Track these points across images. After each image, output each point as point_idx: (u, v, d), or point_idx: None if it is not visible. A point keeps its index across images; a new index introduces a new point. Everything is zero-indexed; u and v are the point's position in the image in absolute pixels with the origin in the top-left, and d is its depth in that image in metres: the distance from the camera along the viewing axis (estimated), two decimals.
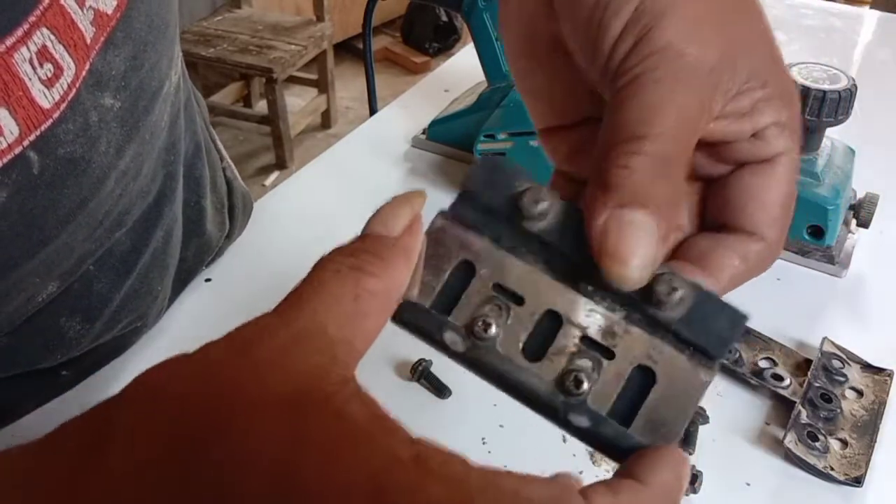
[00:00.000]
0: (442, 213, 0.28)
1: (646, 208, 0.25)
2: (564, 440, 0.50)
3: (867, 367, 0.57)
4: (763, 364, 0.56)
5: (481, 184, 0.28)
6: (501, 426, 0.52)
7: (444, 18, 3.43)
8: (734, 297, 0.29)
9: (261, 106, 2.96)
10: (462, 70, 0.96)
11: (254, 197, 0.71)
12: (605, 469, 0.49)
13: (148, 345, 0.57)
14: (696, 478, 0.48)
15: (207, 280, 0.64)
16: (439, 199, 0.27)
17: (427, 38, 3.49)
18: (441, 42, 3.50)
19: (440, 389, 0.53)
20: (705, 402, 0.53)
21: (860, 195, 0.66)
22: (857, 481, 0.48)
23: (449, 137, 0.81)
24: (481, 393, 0.54)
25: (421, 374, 0.54)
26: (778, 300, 0.62)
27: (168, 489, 0.20)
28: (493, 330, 0.26)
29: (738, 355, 0.56)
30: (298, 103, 2.96)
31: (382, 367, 0.55)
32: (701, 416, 0.52)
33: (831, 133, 0.65)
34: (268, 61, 2.59)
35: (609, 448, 0.26)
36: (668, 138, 0.26)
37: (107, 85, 0.39)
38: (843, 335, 0.58)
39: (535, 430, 0.51)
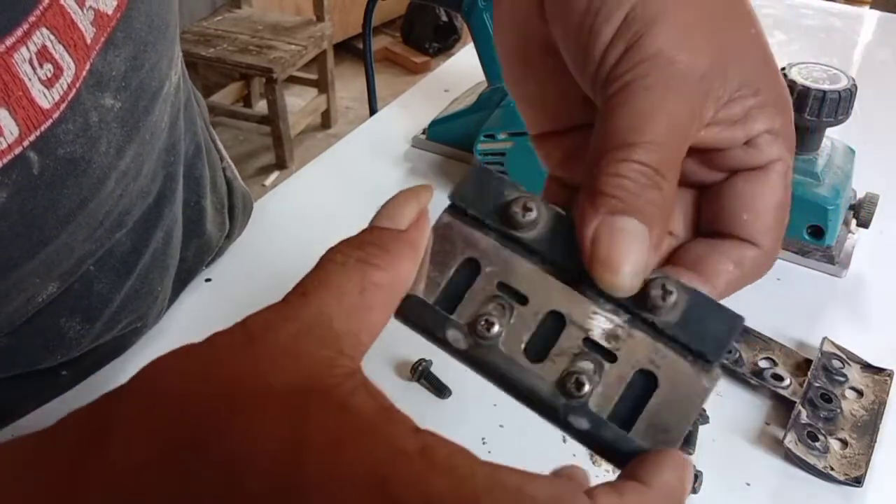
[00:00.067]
0: (449, 209, 0.28)
1: (637, 215, 0.25)
2: (564, 440, 0.50)
3: (867, 367, 0.57)
4: (763, 364, 0.56)
5: (470, 194, 0.28)
6: (501, 426, 0.52)
7: (444, 18, 3.43)
8: (735, 296, 0.29)
9: (261, 106, 2.96)
10: (462, 70, 0.96)
11: (254, 197, 0.71)
12: (605, 469, 0.49)
13: (148, 345, 0.57)
14: (696, 478, 0.48)
15: (207, 280, 0.64)
16: (439, 199, 0.27)
17: (427, 38, 3.49)
18: (441, 42, 3.50)
19: (440, 389, 0.53)
20: (705, 402, 0.53)
21: (860, 195, 0.66)
22: (857, 481, 0.48)
23: (449, 137, 0.81)
24: (481, 393, 0.54)
25: (421, 374, 0.54)
26: (778, 300, 0.62)
27: (168, 487, 0.20)
28: (496, 329, 0.26)
29: (738, 355, 0.56)
30: (298, 103, 2.96)
31: (382, 367, 0.55)
32: (701, 416, 0.52)
33: (831, 133, 0.65)
34: (268, 61, 2.59)
35: (609, 451, 0.26)
36: (658, 146, 0.26)
37: (107, 85, 0.39)
38: (843, 335, 0.58)
39: (535, 430, 0.51)
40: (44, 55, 0.35)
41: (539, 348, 0.26)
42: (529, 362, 0.26)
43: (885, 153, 0.82)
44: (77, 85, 0.37)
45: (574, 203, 0.27)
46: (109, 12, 0.38)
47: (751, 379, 0.54)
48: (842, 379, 0.55)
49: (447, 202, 0.28)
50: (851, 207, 0.66)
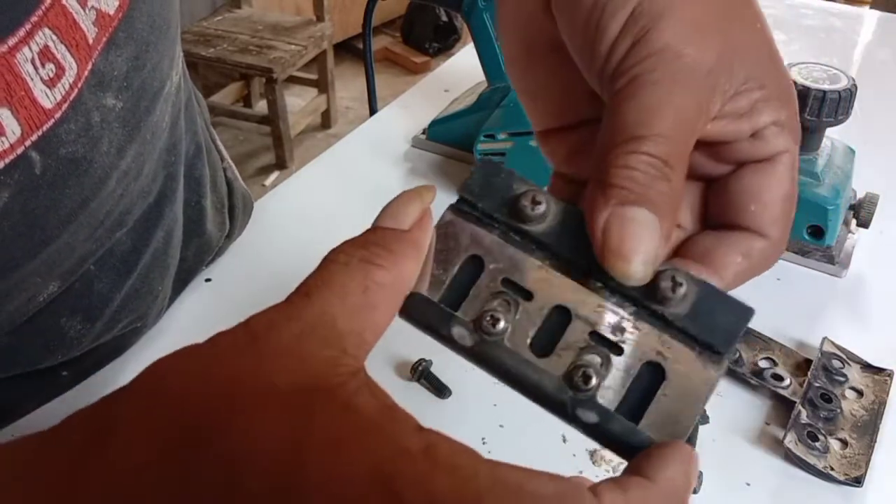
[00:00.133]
0: (452, 207, 0.28)
1: (647, 206, 0.26)
2: (564, 440, 0.50)
3: (867, 367, 0.57)
4: (763, 364, 0.56)
5: (479, 189, 0.28)
6: (501, 426, 0.52)
7: (444, 18, 3.43)
8: (735, 296, 0.29)
9: (261, 106, 2.96)
10: (462, 70, 0.96)
11: (254, 197, 0.71)
12: (606, 469, 0.49)
13: (148, 345, 0.57)
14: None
15: (207, 280, 0.64)
16: (440, 199, 0.27)
17: (427, 38, 3.49)
18: (441, 42, 3.50)
19: (440, 389, 0.53)
20: None
21: (860, 195, 0.66)
22: (857, 481, 0.48)
23: (449, 137, 0.81)
24: (481, 393, 0.54)
25: (421, 374, 0.54)
26: (778, 300, 0.62)
27: (168, 487, 0.20)
28: (502, 325, 0.26)
29: (738, 355, 0.56)
30: (298, 103, 2.96)
31: (382, 367, 0.55)
32: (701, 416, 0.52)
33: (831, 133, 0.65)
34: (268, 61, 2.59)
35: (617, 444, 0.26)
36: (666, 139, 0.26)
37: (109, 85, 0.39)
38: (843, 335, 0.58)
39: (536, 430, 0.51)
40: (46, 55, 0.35)
41: (545, 343, 0.26)
42: (536, 357, 0.26)
43: (885, 153, 0.82)
44: (79, 85, 0.37)
45: (580, 198, 0.27)
46: (111, 12, 0.38)
47: (751, 379, 0.54)
48: (842, 379, 0.55)
49: (449, 202, 0.28)
50: (851, 207, 0.66)
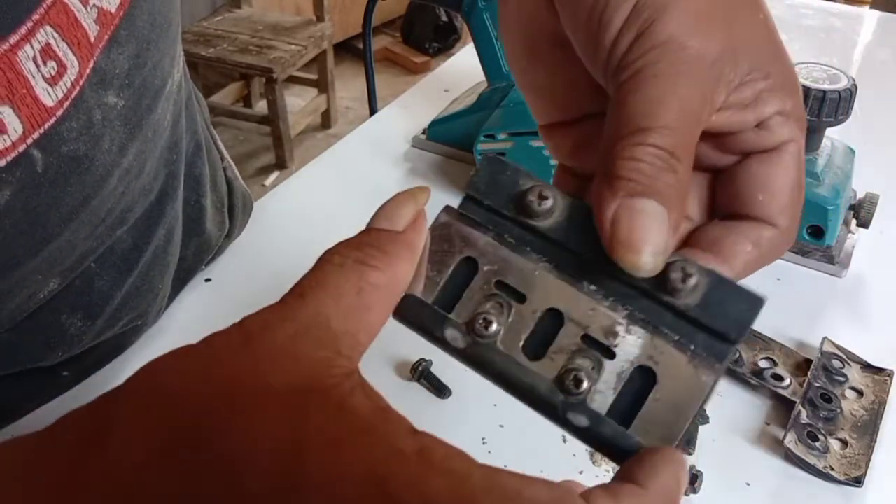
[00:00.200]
0: (447, 209, 0.28)
1: (655, 197, 0.26)
2: (564, 440, 0.50)
3: (867, 367, 0.57)
4: (763, 364, 0.56)
5: (485, 185, 0.28)
6: (501, 426, 0.52)
7: (444, 18, 3.43)
8: None
9: (261, 106, 2.96)
10: (462, 70, 0.96)
11: (254, 197, 0.71)
12: (606, 469, 0.49)
13: (148, 344, 0.57)
14: (696, 478, 0.48)
15: (207, 280, 0.64)
16: (440, 199, 0.28)
17: (427, 38, 3.49)
18: (441, 42, 3.50)
19: (440, 389, 0.53)
20: None
21: (860, 195, 0.66)
22: (857, 481, 0.48)
23: (449, 137, 0.81)
24: (481, 393, 0.54)
25: (421, 374, 0.54)
26: (778, 300, 0.62)
27: (167, 487, 0.20)
28: (494, 327, 0.26)
29: (738, 355, 0.56)
30: (298, 103, 2.96)
31: (382, 367, 0.55)
32: (701, 416, 0.52)
33: (831, 133, 0.65)
34: (268, 61, 2.59)
35: (608, 448, 0.26)
36: (672, 130, 0.26)
37: (110, 83, 0.39)
38: (843, 335, 0.58)
39: (535, 430, 0.51)
40: (47, 53, 0.35)
41: (538, 346, 0.26)
42: (528, 360, 0.26)
43: (885, 153, 0.82)
44: (81, 83, 0.37)
45: (586, 192, 0.27)
46: (113, 10, 0.38)
47: (751, 379, 0.54)
48: (842, 379, 0.55)
49: (444, 203, 0.28)
50: (851, 207, 0.66)
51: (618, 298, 0.26)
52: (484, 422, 0.52)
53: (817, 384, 0.54)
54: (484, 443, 0.51)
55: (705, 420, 0.52)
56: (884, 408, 0.53)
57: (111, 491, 0.21)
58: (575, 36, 0.30)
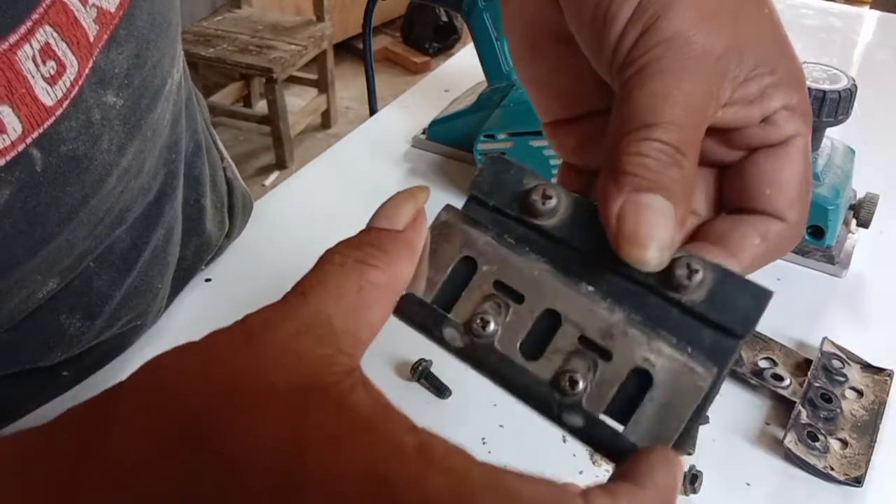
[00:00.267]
0: (447, 208, 0.28)
1: (661, 192, 0.26)
2: (564, 440, 0.50)
3: (867, 367, 0.57)
4: (763, 364, 0.56)
5: (489, 185, 0.28)
6: (501, 426, 0.52)
7: (444, 18, 3.43)
8: None
9: (261, 106, 2.96)
10: (462, 70, 0.96)
11: (254, 197, 0.71)
12: (605, 469, 0.49)
13: (147, 344, 0.57)
14: (696, 478, 0.48)
15: (207, 280, 0.64)
16: (440, 199, 0.28)
17: (427, 38, 3.49)
18: (441, 42, 3.50)
19: (440, 389, 0.53)
20: None
21: (860, 195, 0.66)
22: (857, 481, 0.48)
23: (449, 137, 0.81)
24: (481, 393, 0.54)
25: (421, 374, 0.54)
26: (778, 300, 0.62)
27: (167, 487, 0.20)
28: (492, 327, 0.26)
29: (738, 355, 0.56)
30: (298, 103, 2.96)
31: (382, 367, 0.55)
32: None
33: (831, 133, 0.65)
34: (268, 61, 2.59)
35: (604, 448, 0.26)
36: (677, 126, 0.26)
37: (110, 83, 0.39)
38: (843, 335, 0.58)
39: (535, 430, 0.51)
40: (47, 52, 0.35)
41: (535, 346, 0.26)
42: (525, 360, 0.26)
43: (885, 153, 0.82)
44: (80, 82, 0.37)
45: (590, 189, 0.27)
46: (112, 10, 0.38)
47: (751, 379, 0.54)
48: (842, 379, 0.55)
49: (444, 203, 0.28)
50: (851, 207, 0.66)
51: (617, 300, 0.26)
52: (484, 422, 0.52)
53: (817, 384, 0.54)
54: (484, 443, 0.51)
55: (705, 420, 0.52)
56: (884, 408, 0.53)
57: (110, 490, 0.20)
58: (579, 32, 0.30)
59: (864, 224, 0.65)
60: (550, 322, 0.27)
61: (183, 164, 0.54)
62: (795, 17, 1.16)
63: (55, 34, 0.35)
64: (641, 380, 0.26)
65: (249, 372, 0.22)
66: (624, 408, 0.26)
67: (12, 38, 0.33)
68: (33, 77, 0.34)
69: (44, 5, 0.34)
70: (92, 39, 0.37)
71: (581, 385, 0.25)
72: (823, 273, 0.66)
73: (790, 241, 0.30)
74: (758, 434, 0.52)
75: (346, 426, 0.21)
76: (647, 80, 0.27)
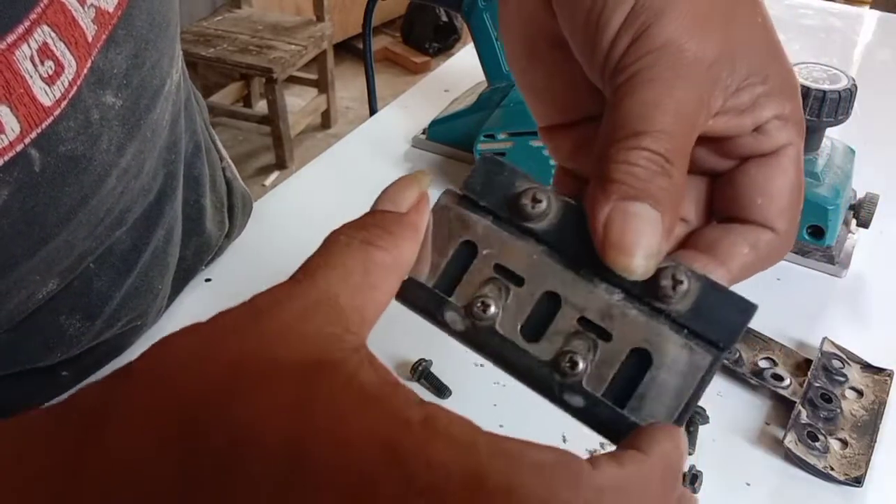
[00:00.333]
0: (447, 192, 0.28)
1: (648, 201, 0.26)
2: (564, 440, 0.50)
3: (867, 367, 0.57)
4: (763, 364, 0.56)
5: (481, 185, 0.28)
6: (501, 426, 0.52)
7: (444, 18, 3.43)
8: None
9: (261, 106, 2.96)
10: (462, 70, 0.96)
11: (254, 197, 0.71)
12: None
13: (147, 344, 0.57)
14: (696, 478, 0.48)
15: (207, 280, 0.64)
16: (438, 194, 0.28)
17: (427, 38, 3.49)
18: (441, 42, 3.50)
19: (440, 389, 0.53)
20: (705, 402, 0.53)
21: (860, 195, 0.66)
22: (857, 481, 0.48)
23: (449, 137, 0.81)
24: (481, 393, 0.54)
25: (421, 374, 0.54)
26: (778, 300, 0.62)
27: (164, 485, 0.20)
28: (492, 310, 0.26)
29: (738, 355, 0.56)
30: (298, 103, 2.96)
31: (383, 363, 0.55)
32: (700, 416, 0.52)
33: (831, 133, 0.65)
34: (268, 61, 2.59)
35: (605, 428, 0.26)
36: (667, 134, 0.26)
37: (108, 83, 0.39)
38: (843, 335, 0.58)
39: (536, 431, 0.50)
40: (45, 52, 0.35)
41: (535, 328, 0.27)
42: (525, 342, 0.27)
43: (885, 153, 0.82)
44: (78, 82, 0.37)
45: (584, 194, 0.27)
46: (111, 10, 0.38)
47: (751, 379, 0.54)
48: (842, 379, 0.55)
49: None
50: (851, 207, 0.66)
51: (613, 284, 0.27)
52: (484, 422, 0.51)
53: (817, 384, 0.54)
54: None
55: (705, 420, 0.52)
56: (884, 408, 0.53)
57: (110, 477, 0.21)
58: (572, 38, 0.30)
59: (864, 224, 0.65)
60: (550, 304, 0.27)
61: (182, 165, 0.54)
62: (795, 17, 1.16)
63: (53, 34, 0.35)
64: (641, 359, 0.26)
65: (256, 350, 0.22)
66: (624, 387, 0.26)
67: (10, 38, 0.33)
68: (31, 77, 0.34)
69: (42, 5, 0.34)
70: (90, 39, 0.37)
71: (581, 365, 0.26)
72: (823, 273, 0.66)
73: (780, 250, 0.30)
74: (758, 434, 0.52)
75: (354, 401, 0.21)
76: (639, 88, 0.27)
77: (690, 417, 0.46)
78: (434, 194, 0.28)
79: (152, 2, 0.42)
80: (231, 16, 2.87)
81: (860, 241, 0.68)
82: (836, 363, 0.56)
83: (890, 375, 0.56)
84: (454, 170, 0.79)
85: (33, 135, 0.35)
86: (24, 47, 0.34)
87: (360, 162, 0.81)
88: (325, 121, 3.06)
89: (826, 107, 0.60)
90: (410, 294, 0.27)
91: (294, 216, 0.72)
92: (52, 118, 0.36)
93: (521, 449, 0.21)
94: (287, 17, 2.94)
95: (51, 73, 0.35)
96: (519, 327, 0.27)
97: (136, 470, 0.20)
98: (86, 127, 0.38)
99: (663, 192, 0.26)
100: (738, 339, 0.26)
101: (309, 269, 0.24)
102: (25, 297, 0.43)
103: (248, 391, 0.21)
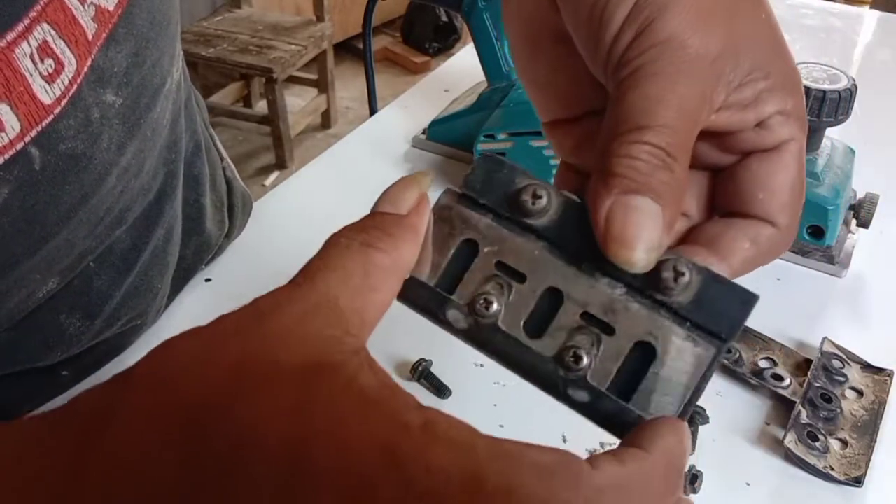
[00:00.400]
0: (447, 191, 0.28)
1: (650, 195, 0.26)
2: (564, 440, 0.50)
3: (867, 367, 0.57)
4: (763, 364, 0.56)
5: (481, 183, 0.28)
6: (501, 426, 0.52)
7: (444, 18, 3.43)
8: None
9: (261, 106, 2.96)
10: (462, 70, 0.96)
11: (254, 197, 0.71)
12: None
13: (147, 344, 0.57)
14: (696, 478, 0.48)
15: (207, 280, 0.64)
16: (438, 193, 0.28)
17: (427, 38, 3.49)
18: (441, 42, 3.50)
19: (440, 389, 0.53)
20: (705, 402, 0.53)
21: (860, 195, 0.66)
22: (857, 481, 0.48)
23: (449, 137, 0.81)
24: (481, 393, 0.54)
25: (421, 374, 0.53)
26: (778, 300, 0.62)
27: (166, 487, 0.20)
28: (495, 307, 0.26)
29: (738, 355, 0.56)
30: (298, 103, 2.96)
31: (382, 367, 0.55)
32: (701, 416, 0.52)
33: (831, 133, 0.65)
34: (268, 61, 2.59)
35: (609, 422, 0.26)
36: (669, 129, 0.26)
37: (108, 81, 0.39)
38: (843, 335, 0.58)
39: (536, 431, 0.51)
40: (45, 50, 0.35)
41: (538, 324, 0.27)
42: (529, 338, 0.27)
43: (885, 153, 0.82)
44: (78, 81, 0.37)
45: (586, 189, 0.27)
46: (111, 8, 0.38)
47: (751, 379, 0.54)
48: (842, 379, 0.55)
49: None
50: (851, 207, 0.66)
51: (615, 278, 0.27)
52: (484, 422, 0.51)
53: (817, 384, 0.54)
54: None
55: (705, 420, 0.52)
56: (884, 408, 0.53)
57: (111, 479, 0.21)
58: (576, 32, 0.30)
59: (864, 224, 0.65)
60: (552, 300, 0.27)
61: (183, 164, 0.54)
62: (795, 17, 1.16)
63: (53, 32, 0.35)
64: (644, 353, 0.26)
65: (257, 352, 0.22)
66: (628, 380, 0.26)
67: (10, 36, 0.33)
68: (31, 75, 0.34)
69: (41, 3, 0.34)
70: (90, 38, 0.37)
71: (585, 360, 0.26)
72: (823, 273, 0.66)
73: (781, 245, 0.30)
74: (758, 434, 0.52)
75: (353, 404, 0.21)
76: (641, 83, 0.27)
77: (691, 417, 0.46)
78: (434, 194, 0.28)
79: (153, 0, 0.42)
80: (231, 16, 2.87)
81: (860, 241, 0.68)
82: (836, 363, 0.56)
83: (890, 375, 0.55)
84: (454, 170, 0.79)
85: (33, 133, 0.35)
86: (24, 45, 0.34)
87: (360, 162, 0.81)
88: (325, 121, 3.06)
89: (826, 107, 0.60)
90: (412, 294, 0.27)
91: (294, 216, 0.72)
92: (52, 116, 0.36)
93: (521, 450, 0.21)
94: (287, 17, 2.94)
95: (51, 71, 0.35)
96: (522, 324, 0.27)
97: (138, 472, 0.20)
98: (86, 125, 0.38)
99: (665, 186, 0.26)
100: (740, 330, 0.26)
101: (309, 272, 0.24)
102: (25, 296, 0.43)
103: (249, 394, 0.21)
